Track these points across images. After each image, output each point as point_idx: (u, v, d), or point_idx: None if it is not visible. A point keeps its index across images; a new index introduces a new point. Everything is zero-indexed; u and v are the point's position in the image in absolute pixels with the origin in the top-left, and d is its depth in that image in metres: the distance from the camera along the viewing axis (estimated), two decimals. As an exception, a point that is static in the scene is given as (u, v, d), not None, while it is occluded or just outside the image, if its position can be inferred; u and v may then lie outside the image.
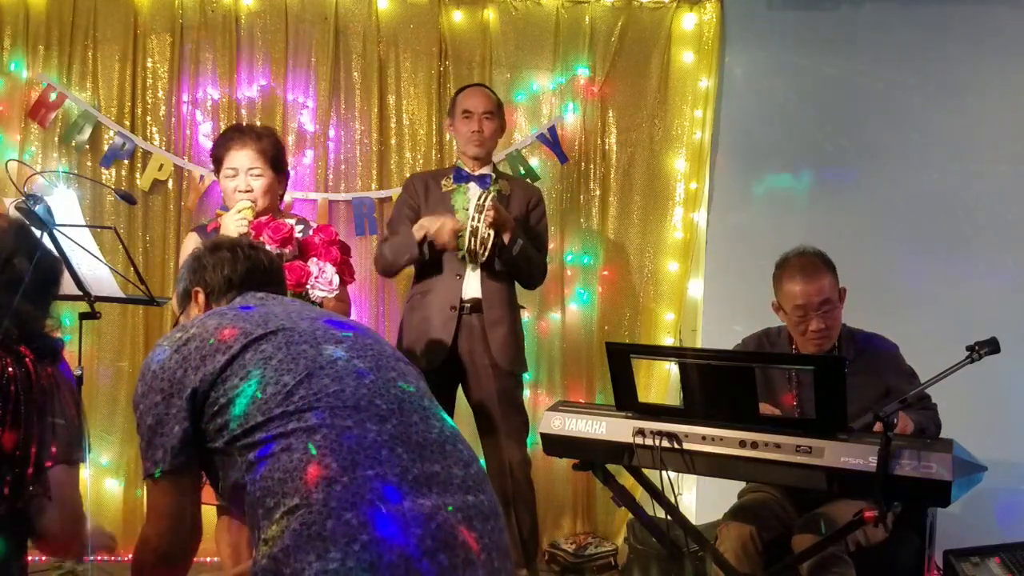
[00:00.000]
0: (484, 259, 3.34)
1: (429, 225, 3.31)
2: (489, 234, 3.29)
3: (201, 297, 1.96)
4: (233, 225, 2.77)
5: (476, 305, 3.40)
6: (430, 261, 3.39)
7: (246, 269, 1.97)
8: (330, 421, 1.59)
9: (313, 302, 2.71)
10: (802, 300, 2.82)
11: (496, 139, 3.59)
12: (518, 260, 3.39)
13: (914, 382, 2.74)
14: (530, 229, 3.50)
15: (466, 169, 3.50)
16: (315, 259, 2.71)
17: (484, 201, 3.27)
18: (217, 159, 2.97)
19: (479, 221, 3.27)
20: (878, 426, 2.28)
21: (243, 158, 2.90)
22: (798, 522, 2.76)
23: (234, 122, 4.07)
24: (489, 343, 3.39)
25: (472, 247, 3.30)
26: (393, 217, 3.56)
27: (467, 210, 3.36)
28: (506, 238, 3.34)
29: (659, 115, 4.17)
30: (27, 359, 1.78)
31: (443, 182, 3.50)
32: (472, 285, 3.41)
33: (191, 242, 3.00)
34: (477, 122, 3.46)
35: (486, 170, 3.51)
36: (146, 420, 1.70)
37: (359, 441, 1.58)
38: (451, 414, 3.49)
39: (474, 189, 3.45)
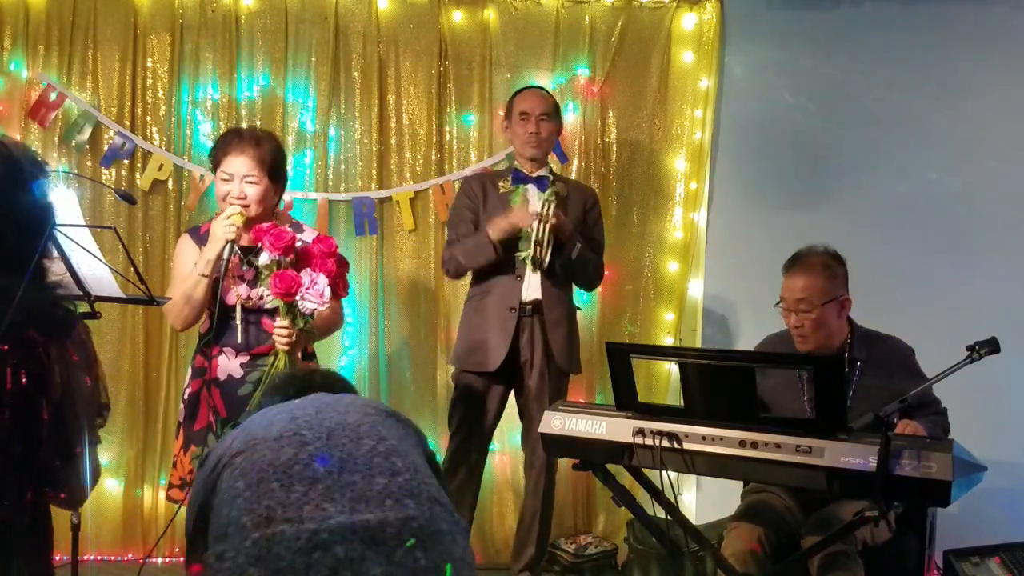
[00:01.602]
0: (546, 264, 3.37)
1: (508, 227, 3.33)
2: (551, 239, 3.32)
3: None
4: (221, 231, 2.75)
5: (536, 307, 3.43)
6: (496, 258, 3.42)
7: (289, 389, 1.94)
8: (248, 454, 1.62)
9: (303, 313, 2.68)
10: (783, 292, 2.89)
11: (553, 140, 3.61)
12: (576, 264, 3.41)
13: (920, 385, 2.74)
14: (587, 231, 3.52)
15: (523, 171, 3.51)
16: (308, 270, 2.67)
17: (547, 211, 3.29)
18: (215, 161, 2.95)
19: (542, 231, 3.29)
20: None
21: (240, 164, 2.86)
22: (807, 523, 2.76)
23: (235, 123, 4.08)
24: (550, 344, 3.42)
25: (538, 255, 3.32)
26: (452, 219, 3.59)
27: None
28: (566, 243, 3.36)
29: (659, 115, 4.17)
30: (39, 348, 1.65)
31: (500, 184, 3.52)
32: (532, 287, 3.43)
33: (184, 244, 2.98)
34: (534, 124, 3.47)
35: (543, 172, 3.53)
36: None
37: (271, 461, 1.60)
38: (501, 413, 3.55)
39: (532, 190, 3.48)
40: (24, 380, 1.63)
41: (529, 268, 3.39)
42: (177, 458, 2.92)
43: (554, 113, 3.55)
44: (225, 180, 2.86)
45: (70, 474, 1.74)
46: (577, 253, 3.40)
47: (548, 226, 3.28)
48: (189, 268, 2.85)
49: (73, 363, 1.71)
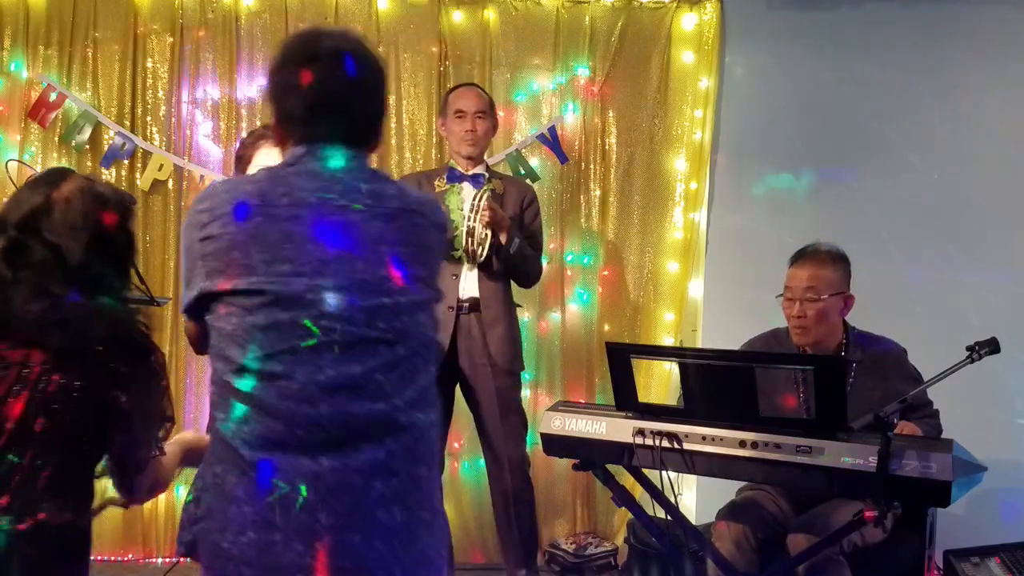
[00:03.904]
0: (482, 259, 3.35)
1: None
2: (487, 234, 3.30)
3: (273, 122, 1.77)
4: None
5: (474, 304, 3.40)
6: None
7: (314, 103, 1.68)
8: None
9: None
10: (789, 281, 2.90)
11: (489, 138, 3.60)
12: (515, 259, 3.39)
13: (916, 387, 2.74)
14: (525, 228, 3.50)
15: (459, 169, 3.50)
16: None
17: (479, 201, 3.29)
18: (243, 159, 2.87)
19: (475, 221, 3.28)
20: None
21: (277, 156, 2.80)
22: (794, 522, 2.77)
23: (235, 124, 4.09)
24: (487, 342, 3.39)
25: (469, 247, 3.31)
26: None
27: (461, 210, 3.37)
28: (503, 237, 3.34)
29: (659, 115, 4.16)
30: (118, 364, 1.79)
31: (436, 182, 3.50)
32: (469, 284, 3.41)
33: None
34: (471, 121, 3.46)
35: (479, 169, 3.52)
36: None
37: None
38: (450, 414, 3.49)
39: (468, 189, 3.46)
40: (102, 392, 1.78)
41: (466, 266, 3.38)
42: None
43: (490, 111, 3.54)
44: None
45: (133, 482, 1.88)
46: (515, 248, 3.37)
47: (481, 218, 3.27)
48: None
49: (145, 382, 1.84)
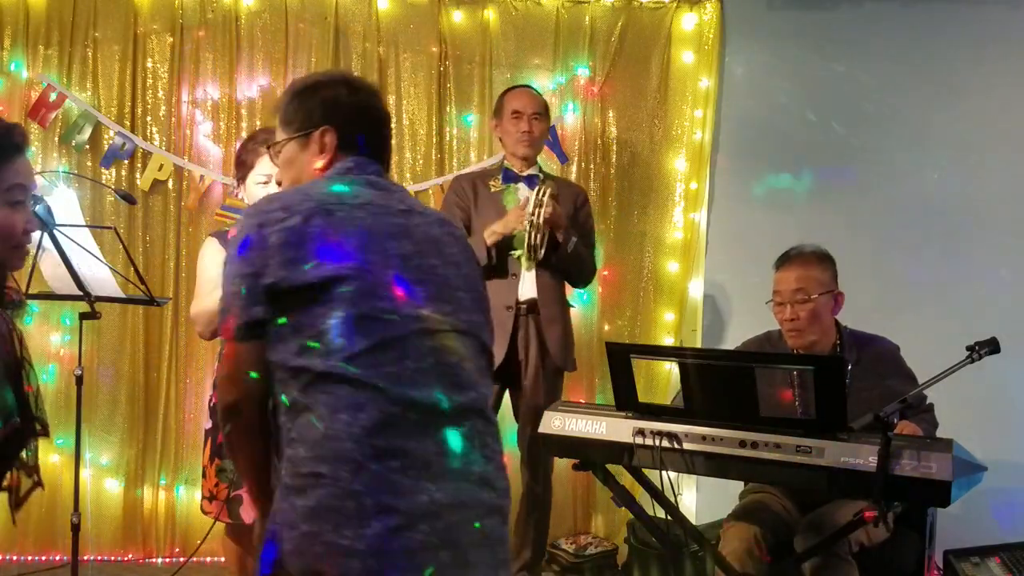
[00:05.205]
0: (541, 255, 3.35)
1: (502, 229, 3.34)
2: (546, 231, 3.31)
3: (331, 139, 1.82)
4: None
5: (532, 305, 3.42)
6: (488, 264, 3.38)
7: (376, 125, 1.89)
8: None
9: None
10: (777, 286, 2.89)
11: (544, 139, 3.63)
12: (571, 258, 3.42)
13: (914, 386, 2.74)
14: (579, 227, 3.52)
15: (514, 169, 3.52)
16: None
17: (543, 196, 3.28)
18: (246, 163, 2.83)
19: (539, 216, 3.28)
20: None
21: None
22: (801, 523, 2.76)
23: (235, 124, 4.09)
24: (545, 341, 3.42)
25: (533, 241, 3.31)
26: None
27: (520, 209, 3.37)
28: (559, 236, 3.36)
29: (659, 115, 4.16)
30: None
31: (491, 183, 3.53)
32: (527, 285, 3.43)
33: (211, 249, 2.81)
34: (527, 122, 3.48)
35: (533, 170, 3.54)
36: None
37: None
38: (497, 411, 3.50)
39: (523, 189, 3.48)
40: None
41: (524, 266, 3.38)
42: (206, 468, 2.82)
43: (544, 113, 3.57)
44: (262, 183, 2.76)
45: None
46: (573, 246, 3.40)
47: (543, 211, 3.26)
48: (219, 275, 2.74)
49: None
